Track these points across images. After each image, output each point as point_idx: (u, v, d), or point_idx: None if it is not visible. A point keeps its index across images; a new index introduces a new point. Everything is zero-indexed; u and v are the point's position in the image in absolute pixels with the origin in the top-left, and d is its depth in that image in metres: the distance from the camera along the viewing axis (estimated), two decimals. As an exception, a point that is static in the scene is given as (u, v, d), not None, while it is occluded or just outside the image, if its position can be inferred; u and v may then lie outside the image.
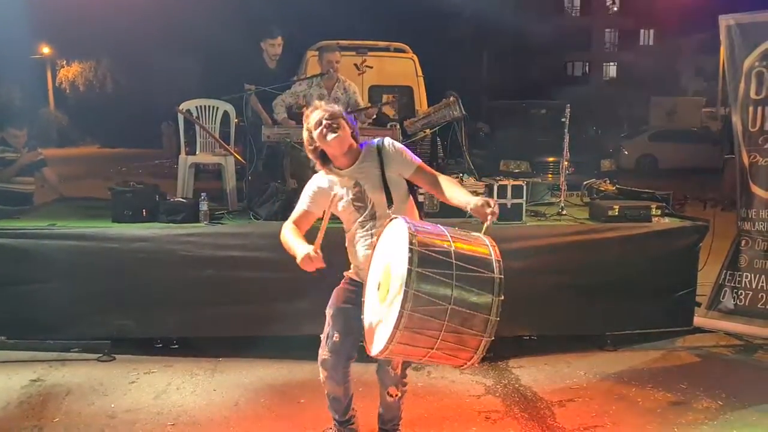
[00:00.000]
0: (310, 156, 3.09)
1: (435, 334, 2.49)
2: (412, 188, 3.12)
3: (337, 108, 3.04)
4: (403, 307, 2.43)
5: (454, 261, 2.51)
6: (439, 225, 2.75)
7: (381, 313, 2.68)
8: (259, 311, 4.50)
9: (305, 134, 3.04)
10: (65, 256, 4.41)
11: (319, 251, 2.80)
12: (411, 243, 2.49)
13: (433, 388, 4.10)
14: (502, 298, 2.50)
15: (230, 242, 4.52)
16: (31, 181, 5.78)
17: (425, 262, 2.48)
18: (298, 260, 2.83)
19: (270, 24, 5.95)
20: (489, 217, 2.73)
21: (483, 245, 2.63)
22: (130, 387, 4.07)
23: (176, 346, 4.62)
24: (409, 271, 2.43)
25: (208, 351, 4.55)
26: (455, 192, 2.95)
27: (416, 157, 3.10)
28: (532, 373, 4.35)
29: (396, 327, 2.45)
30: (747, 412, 3.82)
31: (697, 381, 4.21)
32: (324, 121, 2.95)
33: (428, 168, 3.09)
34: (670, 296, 4.82)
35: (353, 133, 3.04)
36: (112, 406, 3.81)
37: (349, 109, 5.54)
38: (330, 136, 2.94)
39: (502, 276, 2.53)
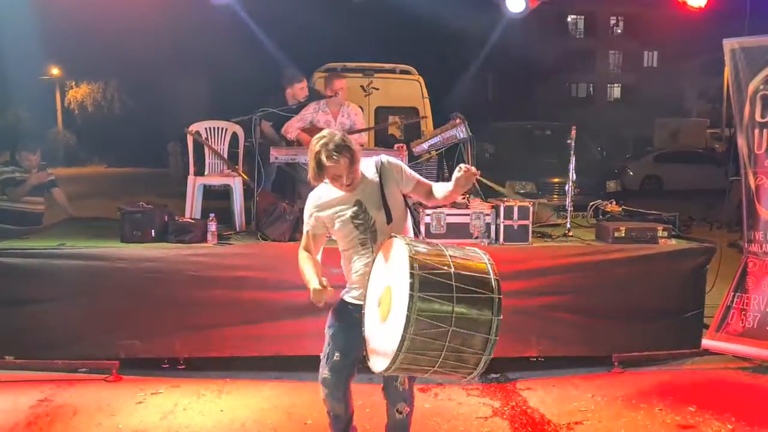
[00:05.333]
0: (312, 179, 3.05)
1: (436, 354, 2.56)
2: (407, 206, 3.16)
3: (348, 151, 2.90)
4: (405, 331, 2.50)
5: (454, 283, 2.58)
6: (438, 243, 2.78)
7: (383, 331, 2.72)
8: (266, 331, 4.51)
9: (311, 161, 2.95)
10: (74, 275, 4.45)
11: (326, 285, 2.87)
12: (412, 267, 2.55)
13: (440, 410, 4.08)
14: (501, 317, 2.57)
15: (238, 263, 4.54)
16: (40, 202, 5.82)
17: (426, 285, 2.54)
18: (311, 296, 2.90)
19: (292, 68, 6.15)
20: (475, 174, 2.81)
21: (481, 263, 2.69)
22: (137, 407, 4.06)
23: (183, 367, 4.62)
24: (411, 296, 2.50)
25: (215, 371, 4.55)
26: (443, 187, 3.02)
27: (413, 171, 3.16)
28: (540, 395, 4.33)
29: (399, 350, 2.52)
30: (757, 435, 3.79)
31: (706, 404, 4.18)
32: (346, 182, 2.95)
33: (424, 180, 3.15)
34: (677, 318, 4.80)
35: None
36: (120, 426, 3.81)
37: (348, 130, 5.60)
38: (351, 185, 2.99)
39: (501, 296, 2.60)
